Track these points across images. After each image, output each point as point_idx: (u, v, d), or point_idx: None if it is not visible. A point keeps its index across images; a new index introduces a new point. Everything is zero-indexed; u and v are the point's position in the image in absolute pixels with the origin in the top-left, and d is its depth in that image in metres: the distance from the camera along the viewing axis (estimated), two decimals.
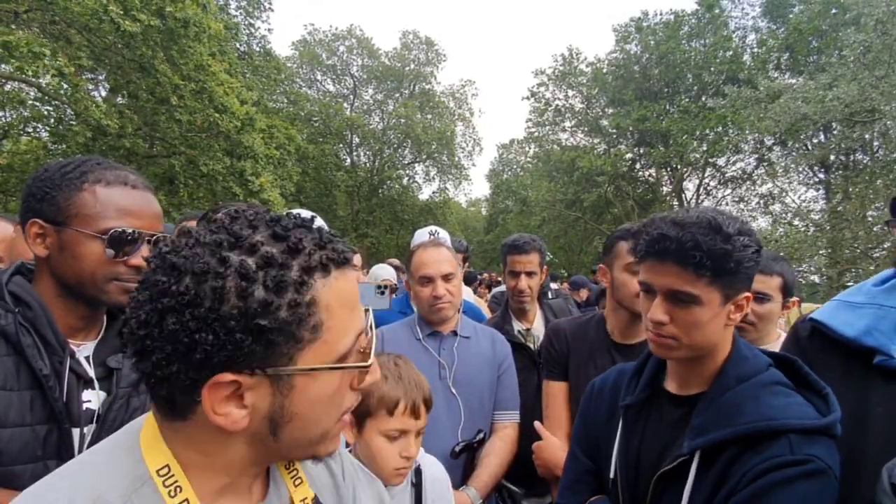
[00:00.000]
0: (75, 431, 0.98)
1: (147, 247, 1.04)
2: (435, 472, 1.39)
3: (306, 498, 0.70)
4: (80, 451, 0.97)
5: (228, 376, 0.53)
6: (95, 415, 1.01)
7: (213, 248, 0.53)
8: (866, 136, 12.18)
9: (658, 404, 1.13)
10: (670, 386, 1.13)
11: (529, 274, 2.22)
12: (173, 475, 0.57)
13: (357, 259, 2.94)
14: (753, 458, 0.93)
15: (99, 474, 0.56)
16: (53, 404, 0.95)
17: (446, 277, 1.80)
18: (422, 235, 2.71)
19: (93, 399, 1.02)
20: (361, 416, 1.24)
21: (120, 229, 1.00)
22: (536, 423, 1.77)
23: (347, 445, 1.32)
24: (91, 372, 1.03)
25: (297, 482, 0.72)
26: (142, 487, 0.56)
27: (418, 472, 1.35)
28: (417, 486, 1.33)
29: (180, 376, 0.53)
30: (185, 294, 0.51)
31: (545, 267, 2.35)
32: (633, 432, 1.14)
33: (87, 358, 1.05)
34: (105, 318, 1.12)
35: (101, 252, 0.99)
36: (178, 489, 0.56)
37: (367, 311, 0.66)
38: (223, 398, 0.54)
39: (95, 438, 0.98)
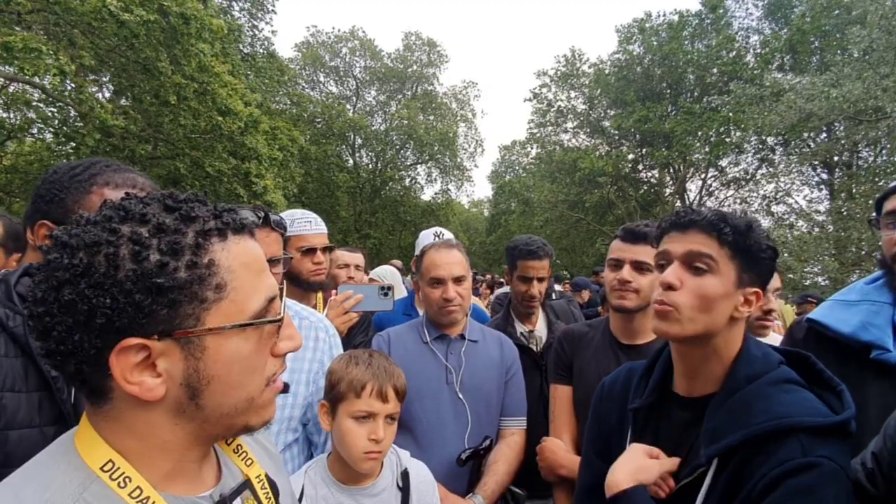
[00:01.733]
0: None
1: None
2: (421, 475, 1.41)
3: (260, 475, 0.72)
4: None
5: (133, 341, 0.53)
6: None
7: (103, 223, 0.54)
8: (871, 134, 12.12)
9: (667, 407, 1.11)
10: (679, 388, 1.11)
11: (540, 279, 2.19)
12: (118, 467, 0.56)
13: (359, 259, 2.95)
14: (765, 463, 0.90)
15: (41, 484, 0.54)
16: (62, 406, 0.95)
17: (457, 280, 1.78)
18: (427, 237, 2.69)
19: None
20: (334, 401, 1.30)
21: None
22: (544, 438, 1.76)
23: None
24: None
25: (248, 462, 0.73)
26: (90, 486, 0.55)
27: (405, 475, 1.36)
28: (405, 491, 1.34)
29: (84, 345, 0.52)
30: (78, 266, 0.52)
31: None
32: (644, 436, 1.12)
33: None
34: None
35: None
36: (126, 480, 0.56)
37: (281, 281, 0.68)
38: (133, 366, 0.54)
39: None
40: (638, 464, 1.02)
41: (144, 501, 0.56)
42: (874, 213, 1.40)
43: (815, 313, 1.40)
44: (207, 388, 0.57)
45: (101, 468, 0.56)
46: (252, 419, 0.63)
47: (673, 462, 1.02)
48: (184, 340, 0.55)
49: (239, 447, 0.75)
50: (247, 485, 0.70)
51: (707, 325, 1.00)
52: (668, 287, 1.02)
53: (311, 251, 1.99)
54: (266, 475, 0.74)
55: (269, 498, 0.72)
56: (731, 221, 1.00)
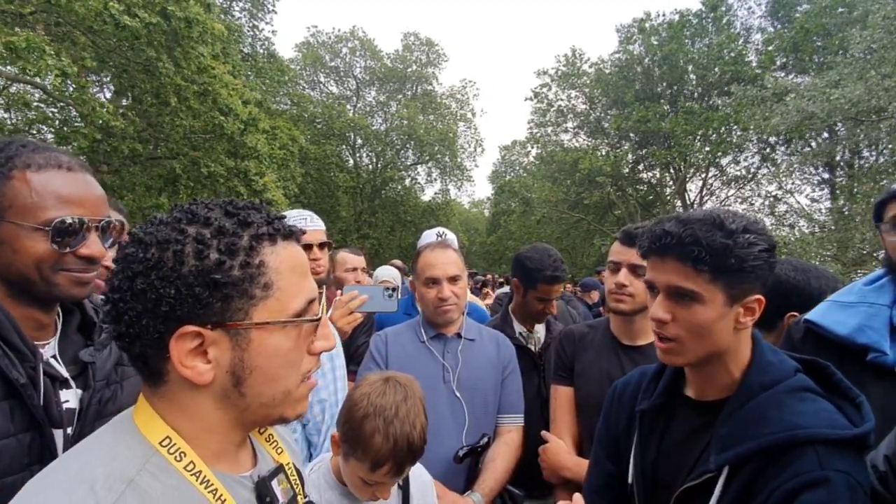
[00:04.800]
0: (58, 433, 0.94)
1: (96, 234, 0.96)
2: (421, 476, 1.41)
3: (289, 463, 0.79)
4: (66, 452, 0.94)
5: (191, 328, 0.59)
6: (76, 413, 0.97)
7: (173, 224, 0.62)
8: (872, 134, 12.09)
9: (678, 410, 1.09)
10: (690, 391, 1.09)
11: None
12: (175, 443, 0.63)
13: (360, 261, 2.95)
14: (780, 474, 0.87)
15: (107, 457, 0.60)
16: (34, 411, 0.90)
17: (452, 279, 1.79)
18: (429, 236, 2.70)
19: (70, 398, 0.98)
20: (347, 452, 1.21)
21: (63, 219, 0.92)
22: (544, 433, 1.76)
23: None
24: (65, 371, 0.98)
25: (279, 451, 0.80)
26: (151, 458, 0.61)
27: (405, 477, 1.36)
28: (405, 488, 1.34)
29: (149, 330, 0.60)
30: (150, 259, 0.59)
31: None
32: (651, 439, 1.10)
33: (53, 357, 1.00)
34: (60, 315, 1.05)
35: (46, 245, 0.91)
36: (182, 454, 0.62)
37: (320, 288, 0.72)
38: (188, 351, 0.60)
39: (78, 436, 0.95)
40: None
41: (197, 475, 0.62)
42: (874, 219, 1.38)
43: (813, 314, 1.38)
44: (250, 377, 0.63)
45: (160, 443, 0.62)
46: (287, 411, 0.68)
47: None
48: (233, 332, 0.61)
49: (271, 436, 0.81)
50: (281, 469, 0.76)
51: (710, 348, 0.99)
52: (661, 322, 1.00)
53: (306, 248, 1.99)
54: (293, 464, 0.80)
55: (297, 485, 0.78)
56: (705, 243, 0.93)
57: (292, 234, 0.67)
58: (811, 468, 0.85)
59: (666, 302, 0.99)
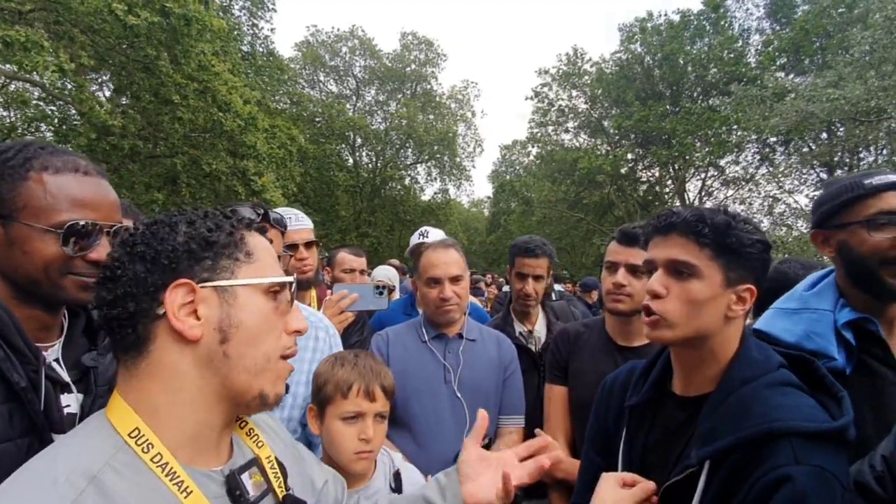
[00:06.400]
0: (58, 439, 0.92)
1: (107, 239, 0.97)
2: (413, 476, 1.42)
3: (270, 456, 0.81)
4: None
5: (185, 280, 0.67)
6: (77, 418, 0.96)
7: (165, 215, 0.73)
8: (869, 136, 12.11)
9: (664, 406, 1.10)
10: (676, 387, 1.09)
11: (537, 278, 2.19)
12: (143, 434, 0.65)
13: (361, 262, 2.94)
14: (757, 468, 0.87)
15: (74, 452, 0.62)
16: (34, 417, 0.88)
17: (454, 279, 1.78)
18: (414, 238, 2.69)
19: (72, 403, 0.97)
20: (322, 404, 1.29)
21: (75, 222, 0.92)
22: (537, 431, 1.75)
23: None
24: (66, 376, 0.97)
25: (259, 445, 0.81)
26: (118, 453, 0.63)
27: (397, 476, 1.36)
28: (397, 492, 1.34)
29: (147, 284, 0.66)
30: (147, 232, 0.69)
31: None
32: (638, 434, 1.11)
33: (56, 361, 0.98)
34: (66, 317, 1.04)
35: (56, 247, 0.91)
36: (149, 445, 0.65)
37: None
38: (181, 305, 0.66)
39: None
40: (613, 499, 1.00)
41: (163, 466, 0.64)
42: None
43: (760, 323, 1.36)
44: (236, 333, 0.69)
45: (129, 434, 0.65)
46: (267, 385, 0.72)
47: (646, 489, 1.01)
48: (221, 290, 0.69)
49: (251, 430, 0.83)
50: (254, 462, 0.77)
51: (698, 328, 0.99)
52: (655, 295, 1.01)
53: (292, 247, 1.95)
54: (275, 457, 0.81)
55: (278, 477, 0.79)
56: (709, 220, 0.97)
57: (263, 230, 0.80)
58: (786, 462, 0.85)
59: (663, 276, 1.01)
